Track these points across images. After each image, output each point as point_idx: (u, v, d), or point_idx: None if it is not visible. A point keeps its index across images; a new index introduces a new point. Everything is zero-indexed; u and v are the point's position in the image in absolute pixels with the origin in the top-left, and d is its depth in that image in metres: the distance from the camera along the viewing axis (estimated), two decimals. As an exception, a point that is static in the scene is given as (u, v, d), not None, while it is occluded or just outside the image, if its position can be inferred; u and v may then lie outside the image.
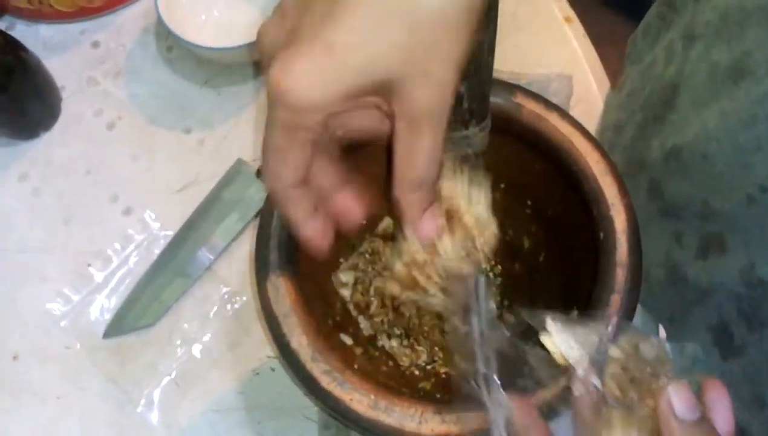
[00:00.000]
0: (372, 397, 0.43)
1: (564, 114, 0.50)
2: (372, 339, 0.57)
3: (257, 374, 0.61)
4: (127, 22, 0.76)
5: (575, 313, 0.47)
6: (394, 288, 0.41)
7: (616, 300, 0.45)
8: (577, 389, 0.36)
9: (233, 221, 0.66)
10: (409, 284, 0.40)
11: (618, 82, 0.66)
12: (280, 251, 0.48)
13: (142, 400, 0.61)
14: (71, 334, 0.63)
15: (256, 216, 0.66)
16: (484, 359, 0.39)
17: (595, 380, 0.36)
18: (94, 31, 0.76)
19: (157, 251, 0.66)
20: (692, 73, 0.51)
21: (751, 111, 0.45)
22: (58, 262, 0.66)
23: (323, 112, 0.33)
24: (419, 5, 0.31)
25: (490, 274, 0.58)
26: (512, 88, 0.51)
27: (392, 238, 0.60)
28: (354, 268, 0.58)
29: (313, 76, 0.32)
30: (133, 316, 0.63)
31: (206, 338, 0.63)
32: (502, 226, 0.56)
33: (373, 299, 0.58)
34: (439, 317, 0.56)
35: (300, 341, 0.45)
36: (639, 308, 0.46)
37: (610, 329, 0.37)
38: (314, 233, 0.38)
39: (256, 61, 0.72)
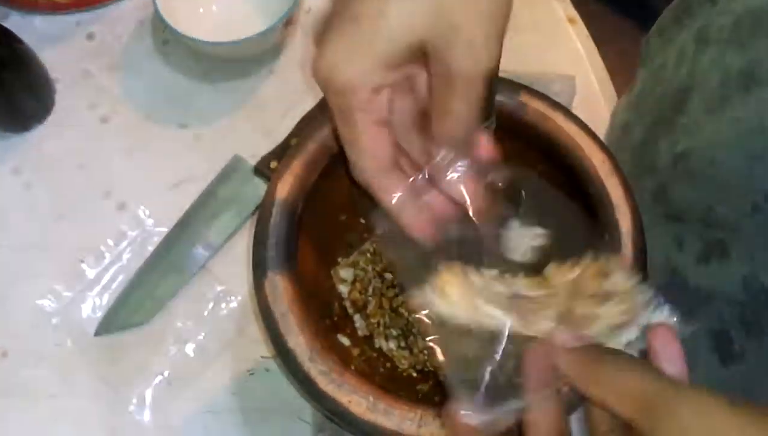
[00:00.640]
0: (371, 399, 0.42)
1: (569, 114, 0.50)
2: (369, 340, 0.56)
3: (252, 374, 0.60)
4: (123, 14, 0.75)
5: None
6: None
7: None
8: None
9: (229, 219, 0.64)
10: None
11: (630, 83, 0.66)
12: (278, 249, 0.47)
13: (134, 399, 0.60)
14: (63, 331, 0.62)
15: (252, 214, 0.65)
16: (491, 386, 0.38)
17: None
18: (89, 22, 0.74)
19: (150, 248, 0.65)
20: (705, 77, 0.51)
21: (760, 119, 0.45)
22: (49, 257, 0.65)
23: (366, 86, 0.32)
24: None
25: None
26: (517, 86, 0.51)
27: None
28: (354, 265, 0.58)
29: (346, 52, 0.31)
30: (125, 313, 0.62)
31: (200, 337, 0.62)
32: None
33: (371, 298, 0.57)
34: None
35: (297, 340, 0.44)
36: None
37: None
38: (411, 220, 0.37)
39: (253, 56, 0.71)
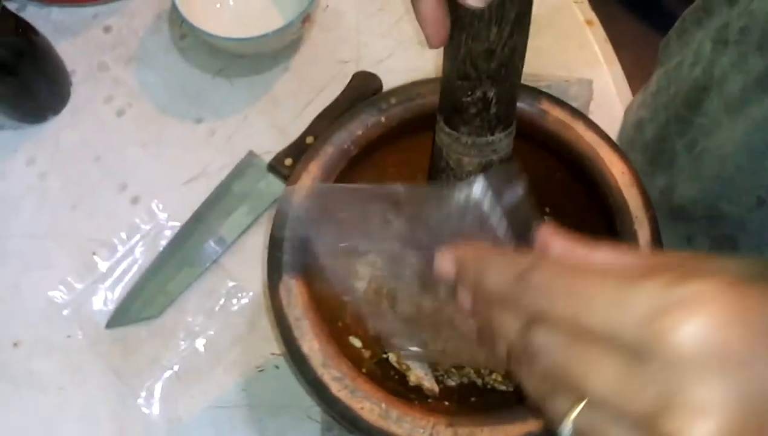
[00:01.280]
0: (383, 406, 0.42)
1: (589, 123, 0.49)
2: (379, 340, 0.56)
3: (261, 371, 0.60)
4: (140, 7, 0.75)
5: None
6: None
7: None
8: None
9: (242, 215, 0.64)
10: None
11: (647, 83, 0.65)
12: (294, 253, 0.47)
13: (143, 393, 0.60)
14: (74, 323, 0.62)
15: (266, 211, 0.65)
16: None
17: None
18: (106, 15, 0.74)
19: (163, 242, 0.65)
20: (724, 78, 0.50)
21: (766, 114, 0.45)
22: (62, 249, 0.65)
23: None
24: None
25: None
26: (538, 94, 0.50)
27: None
28: (372, 265, 0.57)
29: None
30: (136, 307, 0.62)
31: (211, 332, 0.62)
32: None
33: (384, 298, 0.56)
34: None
35: (311, 345, 0.44)
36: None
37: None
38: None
39: (270, 52, 0.71)
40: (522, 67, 0.38)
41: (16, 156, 0.68)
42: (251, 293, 0.63)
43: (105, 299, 0.63)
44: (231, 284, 0.63)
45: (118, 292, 0.63)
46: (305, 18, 0.67)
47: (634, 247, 0.46)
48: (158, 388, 0.60)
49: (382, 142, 0.52)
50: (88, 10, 0.74)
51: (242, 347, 0.61)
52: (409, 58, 0.71)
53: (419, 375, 0.51)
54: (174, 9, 0.67)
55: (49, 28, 0.71)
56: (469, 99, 0.39)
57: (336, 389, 0.42)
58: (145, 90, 0.71)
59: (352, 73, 0.68)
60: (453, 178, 0.43)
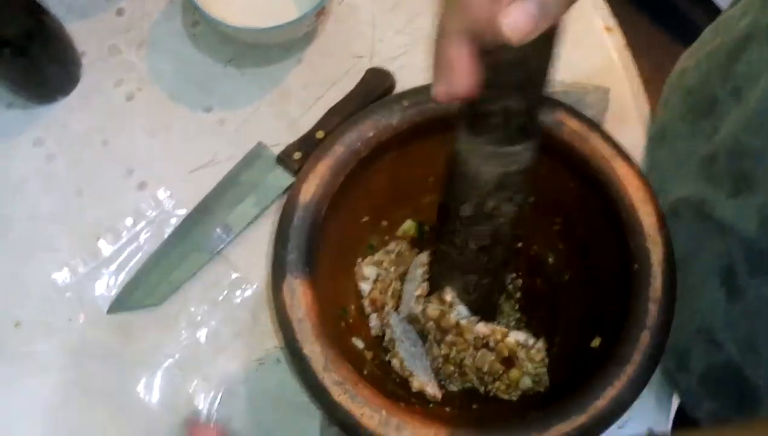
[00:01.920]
0: (383, 413, 0.41)
1: (606, 136, 0.49)
2: (381, 342, 0.55)
3: (262, 363, 0.60)
4: (154, -9, 0.74)
5: None
6: None
7: (646, 337, 0.44)
8: None
9: (249, 206, 0.64)
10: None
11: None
12: (299, 254, 0.47)
13: (142, 380, 0.60)
14: (76, 306, 0.62)
15: (272, 203, 0.64)
16: None
17: None
18: (120, -2, 0.74)
19: (168, 230, 0.64)
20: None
21: None
22: (67, 232, 0.65)
23: None
24: None
25: (510, 286, 0.57)
26: (555, 104, 0.50)
27: (414, 242, 0.59)
28: (378, 264, 0.57)
29: None
30: (139, 294, 0.62)
31: (212, 322, 0.62)
32: (527, 239, 0.55)
33: (389, 300, 0.56)
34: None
35: (313, 348, 0.44)
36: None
37: None
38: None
39: (283, 44, 0.71)
40: (548, 82, 0.38)
41: (23, 137, 0.68)
42: (255, 286, 0.63)
43: (108, 285, 0.63)
44: (235, 275, 0.63)
45: (122, 278, 0.63)
46: (320, 10, 0.67)
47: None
48: (158, 376, 0.60)
49: (393, 145, 0.52)
50: (101, -8, 0.74)
51: (244, 339, 0.61)
52: (424, 56, 0.70)
53: (422, 382, 0.51)
54: (188, -5, 0.66)
55: (61, 9, 0.70)
56: (493, 108, 0.38)
57: (336, 393, 0.42)
58: (155, 75, 0.71)
59: (365, 69, 0.68)
60: (470, 187, 0.42)
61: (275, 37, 0.69)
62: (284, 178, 0.64)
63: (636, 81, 0.69)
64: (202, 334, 0.61)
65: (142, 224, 0.65)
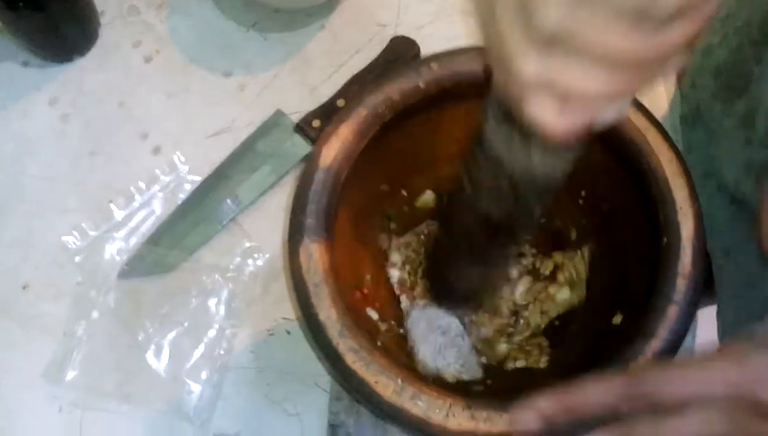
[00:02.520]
0: (399, 382, 0.40)
1: (639, 106, 0.47)
2: (400, 318, 0.54)
3: (272, 334, 0.59)
4: (177, -49, 0.72)
5: None
6: None
7: (673, 312, 0.41)
8: None
9: (265, 174, 0.62)
10: None
11: None
12: (318, 217, 0.45)
13: (151, 346, 0.58)
14: (85, 270, 0.61)
15: (288, 172, 0.63)
16: None
17: None
18: (141, -44, 0.72)
19: (182, 196, 0.63)
20: None
21: None
22: (78, 194, 0.63)
23: None
24: None
25: (530, 261, 0.55)
26: None
27: (434, 215, 0.57)
28: (407, 246, 0.56)
29: None
30: (151, 260, 0.60)
31: (223, 291, 0.60)
32: (549, 213, 0.53)
33: (420, 281, 0.55)
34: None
35: (329, 313, 0.42)
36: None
37: None
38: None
39: (306, 9, 0.69)
40: None
41: (38, 95, 0.67)
42: (267, 255, 0.61)
43: (119, 249, 0.61)
44: (248, 244, 0.61)
45: (133, 243, 0.62)
46: (346, -24, 0.65)
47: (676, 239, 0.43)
48: (166, 343, 0.58)
49: (417, 110, 0.50)
50: (123, -49, 0.72)
51: (254, 309, 0.59)
52: (450, 26, 0.68)
53: (450, 373, 0.50)
54: (211, -45, 0.64)
55: (81, -34, 0.69)
56: None
57: (351, 360, 0.41)
58: (175, 38, 0.69)
59: (389, 37, 0.66)
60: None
61: (299, 2, 0.67)
62: (302, 147, 0.63)
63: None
64: (212, 302, 0.60)
65: (156, 188, 0.64)
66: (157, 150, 0.65)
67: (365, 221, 0.54)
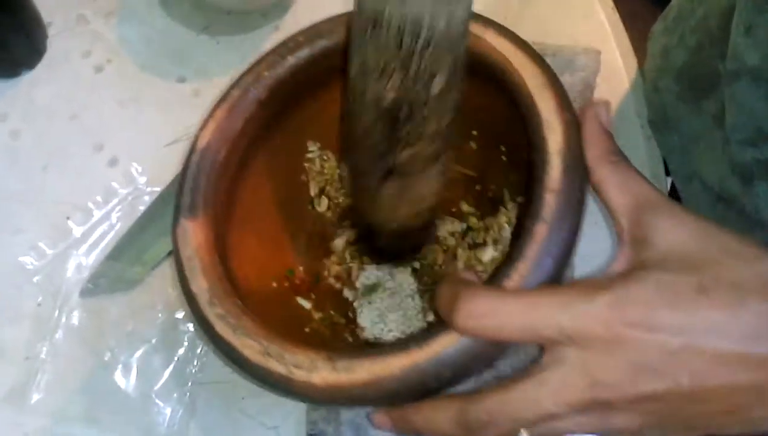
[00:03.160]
0: (264, 343, 0.39)
1: (501, 29, 0.44)
2: (340, 306, 0.54)
3: (244, 346, 0.58)
4: (123, -43, 0.70)
5: None
6: None
7: (542, 230, 0.37)
8: None
9: (226, 181, 0.61)
10: None
11: (664, 12, 0.63)
12: (193, 195, 0.45)
13: (118, 366, 0.57)
14: (45, 290, 0.59)
15: (251, 177, 0.61)
16: None
17: None
18: (86, -36, 0.70)
19: (142, 208, 0.61)
20: None
21: None
22: (34, 212, 0.61)
23: None
24: None
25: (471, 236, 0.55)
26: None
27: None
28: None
29: None
30: (112, 276, 0.59)
31: (191, 304, 0.59)
32: (483, 181, 0.54)
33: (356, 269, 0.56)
34: None
35: (200, 284, 0.42)
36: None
37: None
38: None
39: (259, 10, 0.67)
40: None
41: (-14, 112, 0.64)
42: (234, 264, 0.60)
43: (79, 266, 0.60)
44: (213, 254, 0.60)
45: (93, 259, 0.60)
46: (298, -25, 0.64)
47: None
48: (134, 362, 0.57)
49: (296, 87, 0.50)
50: (67, -42, 0.70)
51: (224, 321, 0.58)
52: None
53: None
54: (158, -41, 0.63)
55: (24, -23, 0.66)
56: None
57: (219, 326, 0.41)
58: (125, 46, 0.67)
59: (345, 35, 0.65)
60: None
61: (251, 3, 0.66)
62: (263, 152, 0.61)
63: (625, 43, 0.66)
64: (180, 316, 0.58)
65: (114, 201, 0.62)
66: (113, 162, 0.63)
67: (290, 210, 0.55)
